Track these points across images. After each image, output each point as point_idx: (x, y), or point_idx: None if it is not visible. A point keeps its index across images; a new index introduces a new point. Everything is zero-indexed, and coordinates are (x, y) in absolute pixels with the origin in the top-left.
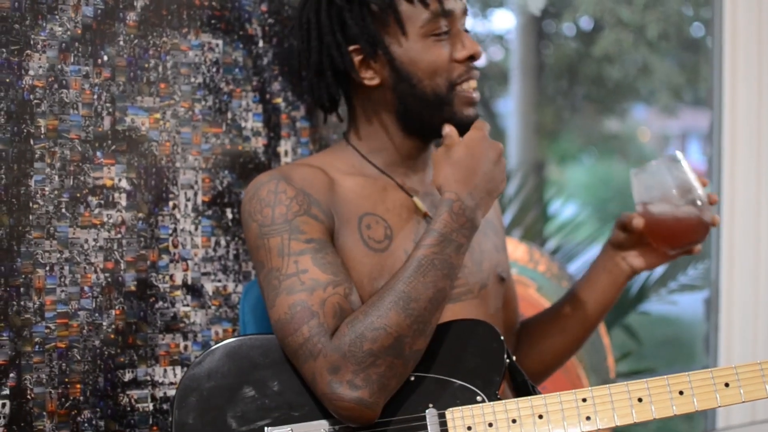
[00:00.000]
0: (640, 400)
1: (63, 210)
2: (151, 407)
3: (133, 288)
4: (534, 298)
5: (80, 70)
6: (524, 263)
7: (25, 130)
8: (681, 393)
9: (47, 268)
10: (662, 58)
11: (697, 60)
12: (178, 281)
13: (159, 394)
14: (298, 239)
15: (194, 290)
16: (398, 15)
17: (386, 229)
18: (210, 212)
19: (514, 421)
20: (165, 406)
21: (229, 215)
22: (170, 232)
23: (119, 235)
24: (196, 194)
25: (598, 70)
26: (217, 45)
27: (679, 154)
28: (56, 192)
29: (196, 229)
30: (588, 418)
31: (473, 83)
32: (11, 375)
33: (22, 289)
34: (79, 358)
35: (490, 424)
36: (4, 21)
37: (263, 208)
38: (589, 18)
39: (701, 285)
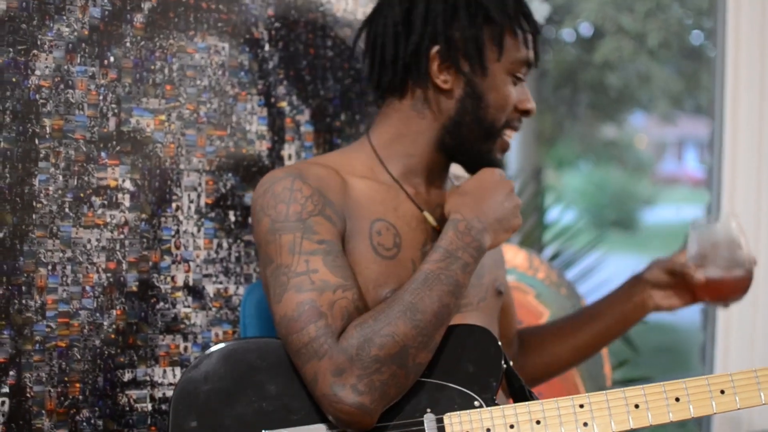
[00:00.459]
0: (636, 406)
1: (66, 210)
2: (149, 407)
3: (134, 288)
4: (533, 305)
5: (86, 71)
6: (524, 270)
7: (30, 130)
8: (677, 399)
9: (49, 267)
10: (662, 66)
11: (697, 68)
12: (180, 282)
13: (158, 394)
14: (310, 239)
15: (195, 292)
16: (502, 41)
17: (396, 236)
18: (213, 214)
19: (512, 426)
20: (164, 407)
21: (232, 218)
22: (173, 233)
23: (122, 236)
24: (199, 196)
25: (598, 77)
26: (224, 48)
27: (734, 216)
28: (60, 192)
29: (199, 230)
30: (585, 424)
31: (513, 135)
32: (11, 373)
33: (24, 288)
34: (79, 357)
35: (488, 430)
36: (11, 21)
37: (277, 204)
38: (590, 25)
39: None
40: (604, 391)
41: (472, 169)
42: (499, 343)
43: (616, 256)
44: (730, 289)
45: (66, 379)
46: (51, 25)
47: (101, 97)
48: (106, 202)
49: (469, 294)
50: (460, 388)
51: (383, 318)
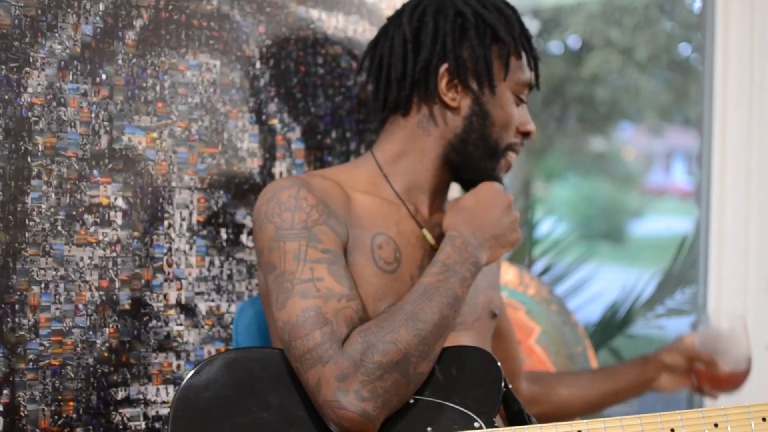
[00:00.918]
0: None
1: (59, 228)
2: (143, 425)
3: (127, 306)
4: (523, 321)
5: (78, 89)
6: (514, 287)
7: (22, 148)
8: (672, 430)
9: (42, 286)
10: (650, 78)
11: (685, 81)
12: (172, 300)
13: (151, 412)
14: (315, 247)
15: (188, 310)
16: (509, 61)
17: (396, 251)
18: (205, 232)
19: None
20: (157, 425)
21: (224, 235)
22: (165, 251)
23: (114, 254)
24: (191, 214)
25: (586, 91)
26: (215, 65)
27: (740, 317)
28: (52, 210)
29: (191, 248)
30: None
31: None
32: (5, 392)
33: (17, 306)
34: (72, 375)
35: None
36: (3, 38)
37: (283, 212)
38: (578, 37)
39: (688, 309)
40: (602, 419)
41: (471, 187)
42: (499, 365)
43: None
44: (734, 382)
45: (59, 397)
46: (43, 42)
47: (93, 115)
48: (98, 220)
49: (464, 313)
50: (461, 408)
51: (386, 326)
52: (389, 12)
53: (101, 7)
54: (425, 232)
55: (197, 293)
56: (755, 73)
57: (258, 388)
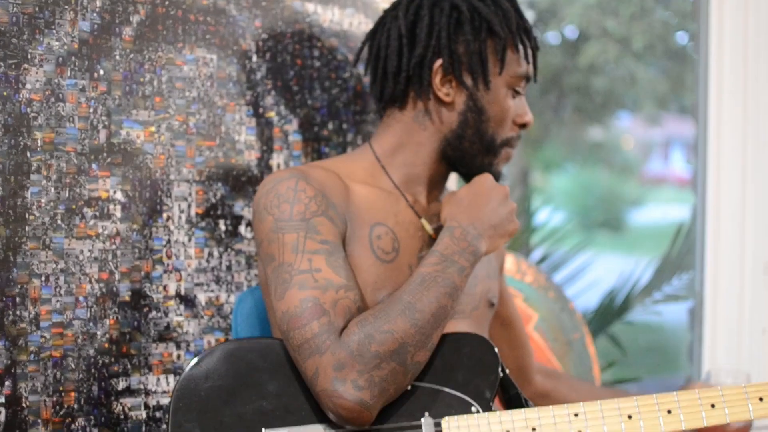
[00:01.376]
0: (629, 417)
1: (59, 221)
2: (144, 415)
3: (127, 298)
4: (521, 308)
5: (77, 84)
6: (512, 274)
7: (21, 143)
8: (669, 412)
9: (43, 279)
10: (647, 67)
11: (682, 69)
12: (172, 291)
13: (152, 402)
14: (313, 239)
15: (187, 300)
16: (504, 55)
17: (394, 241)
18: (203, 224)
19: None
20: (158, 414)
21: (222, 227)
22: (164, 243)
23: (114, 246)
24: (189, 206)
25: (583, 80)
26: (212, 60)
27: (744, 373)
28: (52, 204)
29: (190, 240)
30: None
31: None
32: (6, 383)
33: (17, 299)
34: (73, 366)
35: None
36: (2, 35)
37: (281, 204)
38: (575, 28)
39: (686, 295)
40: (599, 401)
41: (469, 179)
42: (497, 350)
43: (604, 256)
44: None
45: (61, 388)
46: (41, 39)
47: (92, 110)
48: (97, 214)
49: (463, 302)
50: (458, 393)
51: (383, 316)
52: (385, 5)
53: (98, 3)
54: (424, 222)
55: (196, 284)
56: (750, 61)
57: (257, 378)
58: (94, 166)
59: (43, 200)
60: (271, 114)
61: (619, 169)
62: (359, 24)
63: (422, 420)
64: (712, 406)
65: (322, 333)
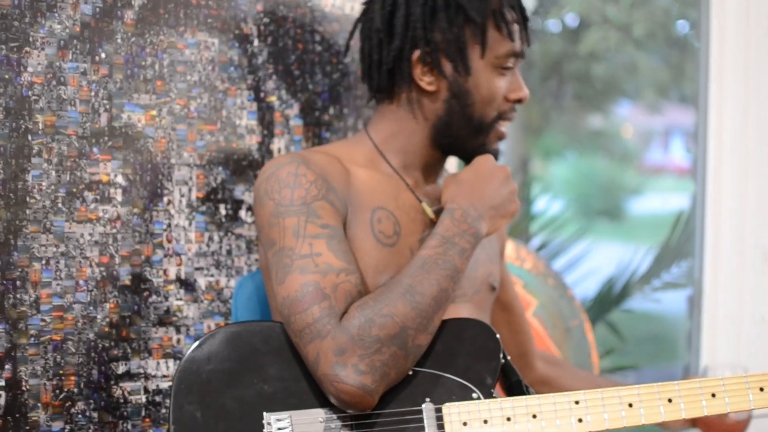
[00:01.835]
0: (630, 405)
1: (59, 205)
2: (143, 399)
3: (127, 282)
4: (520, 295)
5: (78, 68)
6: (511, 260)
7: (23, 126)
8: (669, 400)
9: (43, 262)
10: (648, 55)
11: (683, 58)
12: (172, 276)
13: (152, 386)
14: (314, 223)
15: (187, 285)
16: (485, 38)
17: (395, 225)
18: (204, 208)
19: (508, 419)
20: (157, 398)
21: (223, 211)
22: (164, 227)
23: (114, 230)
24: (190, 190)
25: (584, 68)
26: (213, 43)
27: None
28: (53, 187)
29: (190, 224)
30: (580, 420)
31: (508, 123)
32: (6, 366)
33: (18, 282)
34: (73, 350)
35: (486, 421)
36: (3, 18)
37: (282, 189)
38: (576, 15)
39: (685, 283)
40: (599, 389)
41: (468, 161)
42: (498, 336)
43: (603, 244)
44: (740, 428)
45: (61, 372)
46: (43, 22)
47: (93, 93)
48: (98, 197)
49: (464, 285)
50: (459, 379)
51: (383, 299)
52: None
53: None
54: (425, 205)
55: (197, 268)
56: (751, 50)
57: (259, 361)
58: (95, 149)
59: (44, 183)
60: (273, 98)
61: (619, 158)
62: (361, 9)
63: (423, 406)
64: (713, 395)
65: (322, 317)
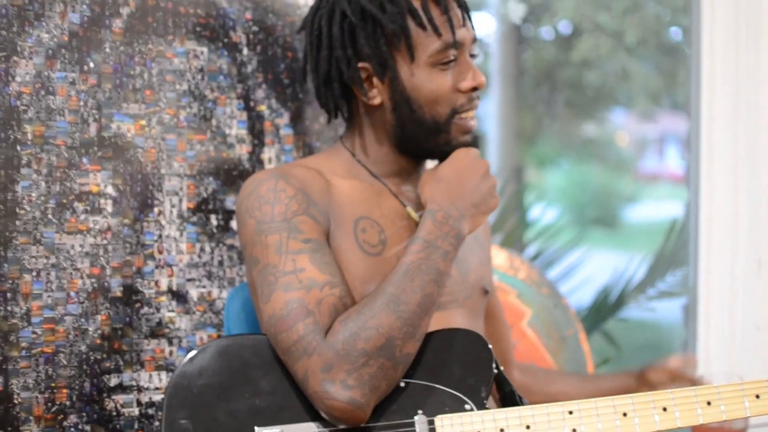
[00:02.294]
0: (624, 414)
1: (49, 216)
2: (136, 412)
3: (118, 293)
4: (514, 305)
5: (67, 77)
6: (504, 270)
7: (11, 137)
8: (665, 409)
9: (34, 274)
10: (640, 63)
11: (675, 65)
12: (164, 287)
13: (144, 399)
14: (296, 238)
15: (179, 296)
16: (409, 40)
17: (380, 233)
18: (195, 219)
19: (502, 430)
20: (150, 411)
21: (214, 222)
22: (155, 238)
23: (105, 241)
24: (181, 201)
25: (576, 76)
26: (202, 52)
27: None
28: (43, 198)
29: (181, 235)
30: (574, 430)
31: (472, 113)
32: None
33: (9, 295)
34: (65, 363)
35: None
36: None
37: (262, 206)
38: (568, 22)
39: (679, 291)
40: (594, 399)
41: (443, 159)
42: (490, 347)
43: (598, 253)
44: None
45: (53, 384)
46: (31, 31)
47: (82, 103)
48: (88, 208)
49: (455, 291)
50: (451, 390)
51: (367, 311)
52: None
53: None
54: (409, 210)
55: (188, 279)
56: (742, 57)
57: (251, 375)
58: (84, 159)
59: (33, 194)
60: (263, 107)
61: (614, 166)
62: None
63: (415, 418)
64: (708, 403)
65: (308, 334)
